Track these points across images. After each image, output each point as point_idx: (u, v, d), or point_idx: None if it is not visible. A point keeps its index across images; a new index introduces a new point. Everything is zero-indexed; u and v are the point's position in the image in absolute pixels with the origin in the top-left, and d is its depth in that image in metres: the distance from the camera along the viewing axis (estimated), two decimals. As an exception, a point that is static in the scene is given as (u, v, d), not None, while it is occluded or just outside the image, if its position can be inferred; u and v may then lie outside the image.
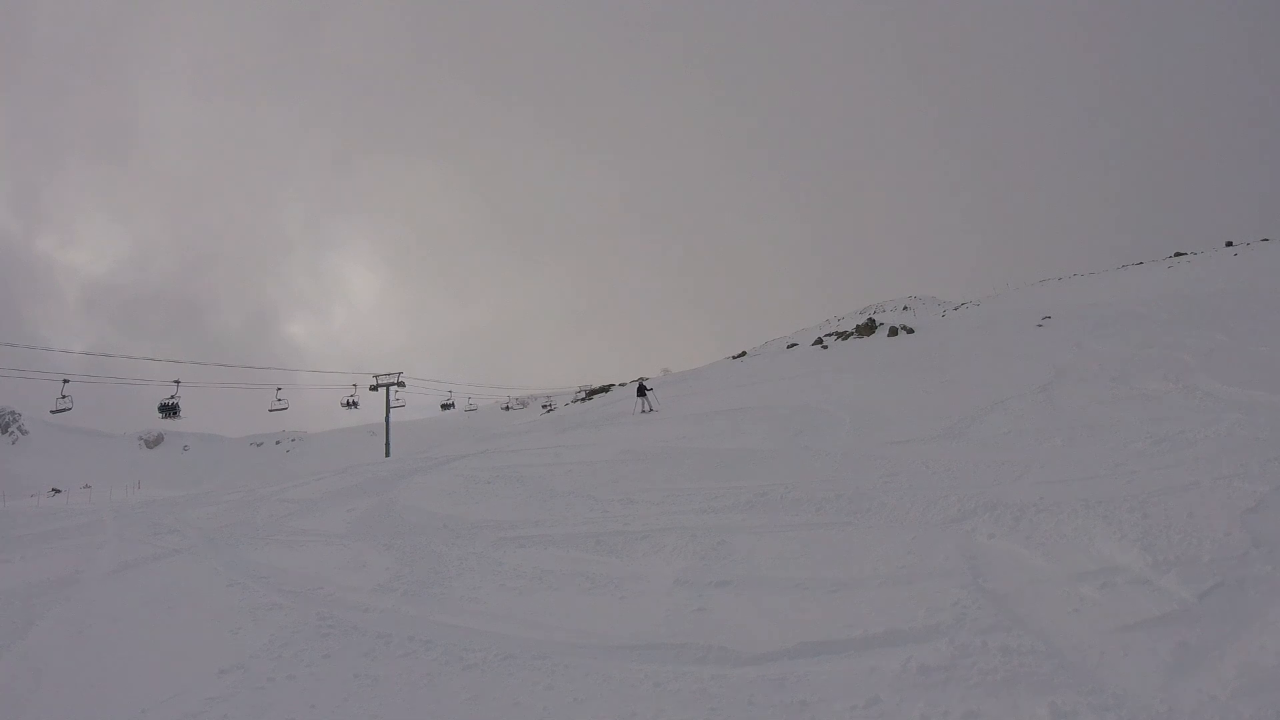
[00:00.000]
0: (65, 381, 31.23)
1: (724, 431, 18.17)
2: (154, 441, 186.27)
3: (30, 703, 7.10)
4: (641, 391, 30.90)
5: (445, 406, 71.42)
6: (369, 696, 6.33)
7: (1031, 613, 6.28)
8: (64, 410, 32.65)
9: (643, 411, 28.76)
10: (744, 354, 61.50)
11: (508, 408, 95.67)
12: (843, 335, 51.27)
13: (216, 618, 9.15)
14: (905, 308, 76.53)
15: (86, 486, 68.78)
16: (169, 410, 38.79)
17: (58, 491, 59.90)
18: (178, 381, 33.24)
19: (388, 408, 46.00)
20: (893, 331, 43.01)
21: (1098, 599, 6.35)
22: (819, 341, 51.44)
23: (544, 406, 73.65)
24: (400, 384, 45.95)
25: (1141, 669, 5.15)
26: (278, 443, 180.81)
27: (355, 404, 45.85)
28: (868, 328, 48.77)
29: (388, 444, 44.68)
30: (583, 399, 64.08)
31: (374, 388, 45.81)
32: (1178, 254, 58.17)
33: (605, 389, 66.92)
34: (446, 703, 5.96)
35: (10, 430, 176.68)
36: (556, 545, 10.67)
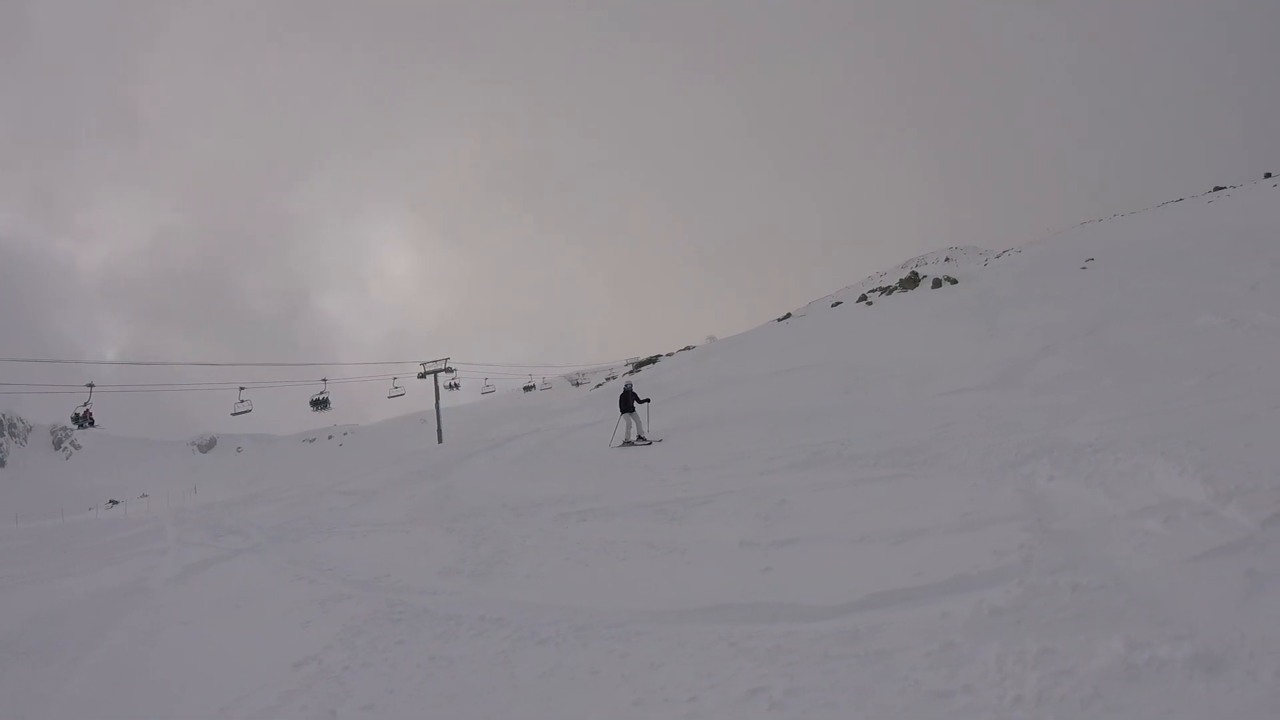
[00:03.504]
0: (242, 389, 31.80)
1: (775, 393, 18.16)
2: (207, 445, 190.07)
3: (109, 710, 7.32)
4: (627, 404, 17.91)
5: (527, 388, 73.66)
6: (445, 677, 6.45)
7: (1098, 550, 6.27)
8: (244, 413, 33.14)
9: (627, 441, 17.40)
10: (789, 315, 61.17)
11: (577, 384, 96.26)
12: (886, 290, 50.84)
13: (286, 613, 9.33)
14: (947, 259, 75.61)
15: (144, 496, 69.86)
16: (320, 404, 39.97)
17: (115, 503, 60.95)
18: (243, 387, 33.54)
19: (437, 394, 46.05)
20: (936, 283, 42.60)
21: (1162, 533, 6.32)
22: (863, 298, 51.07)
23: (596, 385, 74.13)
24: (449, 369, 45.97)
25: (1212, 598, 5.13)
26: (330, 437, 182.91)
27: (401, 393, 45.59)
28: (911, 281, 48.30)
29: (439, 430, 44.85)
30: (631, 371, 64.31)
31: (422, 375, 45.73)
32: (1217, 188, 56.87)
33: (653, 359, 67.08)
34: (523, 677, 6.05)
35: (64, 446, 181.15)
36: (618, 516, 10.77)
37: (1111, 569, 5.83)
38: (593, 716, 5.17)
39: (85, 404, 29.53)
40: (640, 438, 17.36)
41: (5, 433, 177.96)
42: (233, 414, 34.21)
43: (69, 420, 30.52)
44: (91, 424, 30.13)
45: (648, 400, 18.61)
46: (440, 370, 45.71)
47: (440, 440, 40.82)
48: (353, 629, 8.07)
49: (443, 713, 5.76)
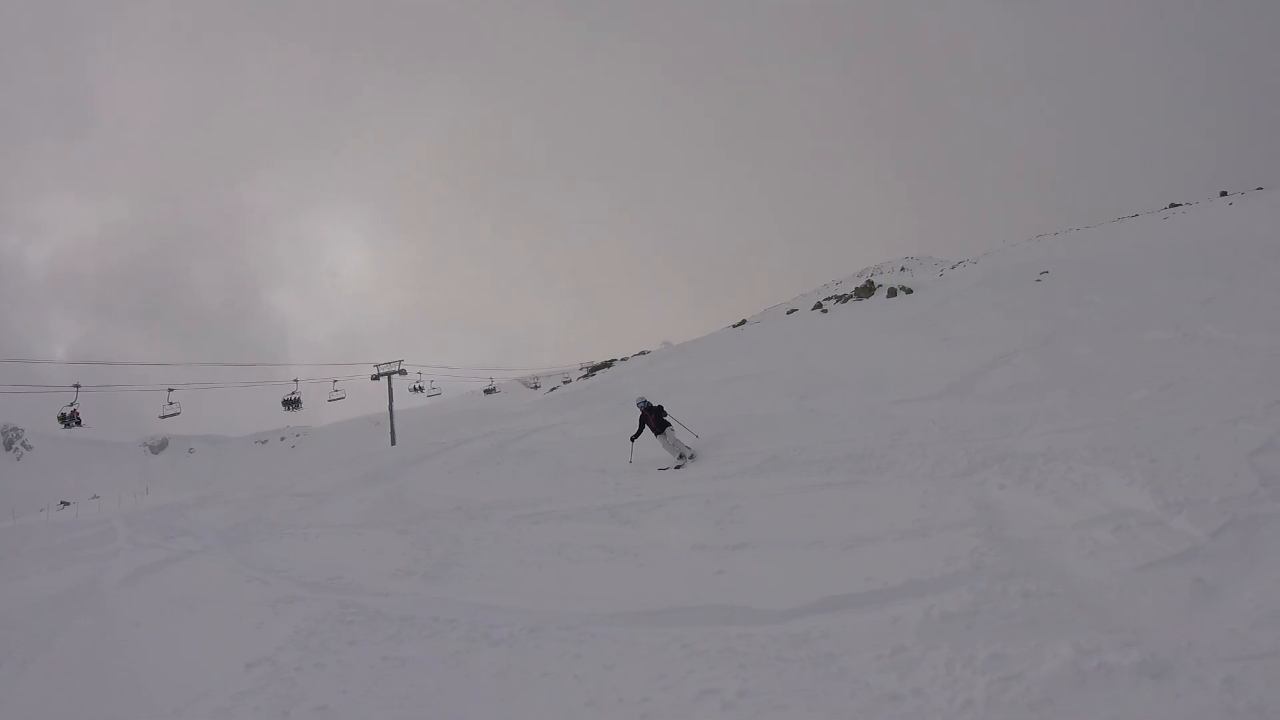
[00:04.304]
0: (170, 390, 31.13)
1: (729, 399, 18.15)
2: (159, 447, 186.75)
3: (63, 711, 7.17)
4: (657, 422, 14.50)
5: (488, 391, 73.31)
6: (398, 677, 6.40)
7: (1048, 558, 6.38)
8: (173, 415, 32.54)
9: (680, 461, 14.00)
10: (744, 322, 61.34)
11: (535, 387, 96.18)
12: (842, 299, 51.24)
13: (238, 614, 9.20)
14: (903, 268, 76.17)
15: (95, 497, 68.48)
16: (292, 404, 40.19)
17: (67, 504, 59.76)
18: (171, 389, 32.77)
19: (390, 397, 45.57)
20: (892, 292, 43.14)
21: (1112, 542, 6.43)
22: (819, 306, 51.56)
23: (552, 389, 73.95)
24: (401, 372, 45.42)
25: (1160, 606, 5.23)
26: (283, 439, 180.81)
27: (341, 397, 44.33)
28: (867, 290, 48.84)
29: (393, 433, 44.43)
30: (586, 375, 64.09)
31: (375, 377, 45.08)
32: (1173, 205, 57.94)
33: (608, 364, 67.05)
34: (476, 678, 6.02)
35: (14, 446, 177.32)
36: (571, 520, 10.74)
37: (1061, 576, 5.93)
38: (547, 717, 5.15)
39: (72, 404, 29.09)
40: (685, 457, 14.00)
41: None
42: (161, 416, 33.47)
43: (56, 420, 29.91)
44: (79, 424, 29.64)
45: (675, 422, 14.74)
46: (394, 372, 45.25)
47: (394, 443, 40.41)
48: (305, 630, 7.97)
49: (397, 714, 5.72)
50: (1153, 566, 5.82)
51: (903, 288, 43.57)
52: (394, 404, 46.05)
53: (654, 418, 14.67)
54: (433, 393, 52.52)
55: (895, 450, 10.95)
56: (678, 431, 14.66)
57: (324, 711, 6.04)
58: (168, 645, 8.65)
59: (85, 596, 11.22)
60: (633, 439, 14.99)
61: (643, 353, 71.73)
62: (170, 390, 30.52)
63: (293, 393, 40.64)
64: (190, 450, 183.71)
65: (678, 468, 13.75)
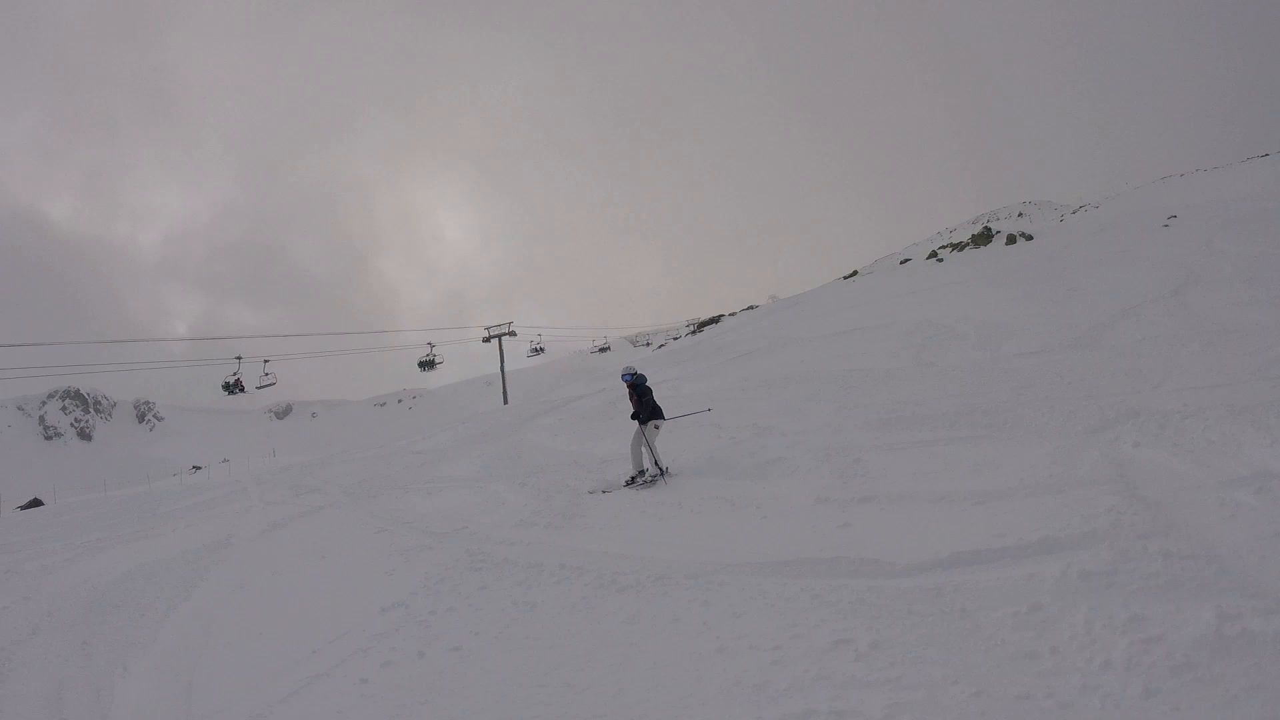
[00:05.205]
0: (266, 361, 32.53)
1: (844, 353, 17.86)
2: (283, 413, 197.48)
3: (205, 653, 7.63)
4: (640, 405, 11.39)
5: (602, 349, 74.59)
6: (529, 621, 6.63)
7: (1187, 518, 6.16)
8: (269, 385, 34.06)
9: (636, 477, 11.04)
10: (855, 273, 60.02)
11: (646, 344, 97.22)
12: (958, 246, 49.67)
13: (370, 562, 9.63)
14: (1020, 214, 73.18)
15: (225, 461, 71.60)
16: (428, 365, 42.53)
17: (198, 468, 62.73)
18: (267, 360, 33.86)
19: (501, 358, 46.52)
20: (1010, 239, 41.72)
21: (1253, 504, 6.18)
22: (933, 255, 50.06)
23: (660, 346, 73.97)
24: (512, 334, 46.23)
25: (1305, 574, 5.04)
26: (399, 401, 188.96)
27: (437, 361, 44.61)
28: (983, 237, 47.30)
29: (505, 392, 45.40)
30: (694, 331, 63.94)
31: (486, 339, 46.21)
32: (1307, 143, 54.31)
33: (715, 319, 66.75)
34: (605, 622, 6.20)
35: (146, 419, 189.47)
36: (687, 472, 10.84)
37: (1201, 538, 5.72)
38: (676, 661, 5.26)
39: (235, 374, 31.12)
40: (655, 467, 11.01)
41: (91, 409, 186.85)
42: (258, 387, 34.76)
43: (221, 388, 31.76)
44: (241, 390, 31.47)
45: (660, 424, 11.44)
46: (505, 334, 46.06)
47: (505, 402, 41.31)
48: (436, 576, 8.30)
49: (529, 655, 5.91)
50: (1296, 532, 5.59)
51: (1022, 234, 42.03)
52: (504, 364, 46.97)
53: (638, 398, 11.39)
54: (533, 352, 53.37)
55: (1021, 405, 10.67)
56: (659, 436, 11.33)
57: (459, 652, 6.30)
58: (303, 592, 9.16)
59: (222, 550, 11.86)
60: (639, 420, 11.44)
61: (750, 307, 71.11)
62: (266, 361, 31.70)
63: (429, 354, 42.74)
64: (313, 415, 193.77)
65: (628, 483, 10.94)
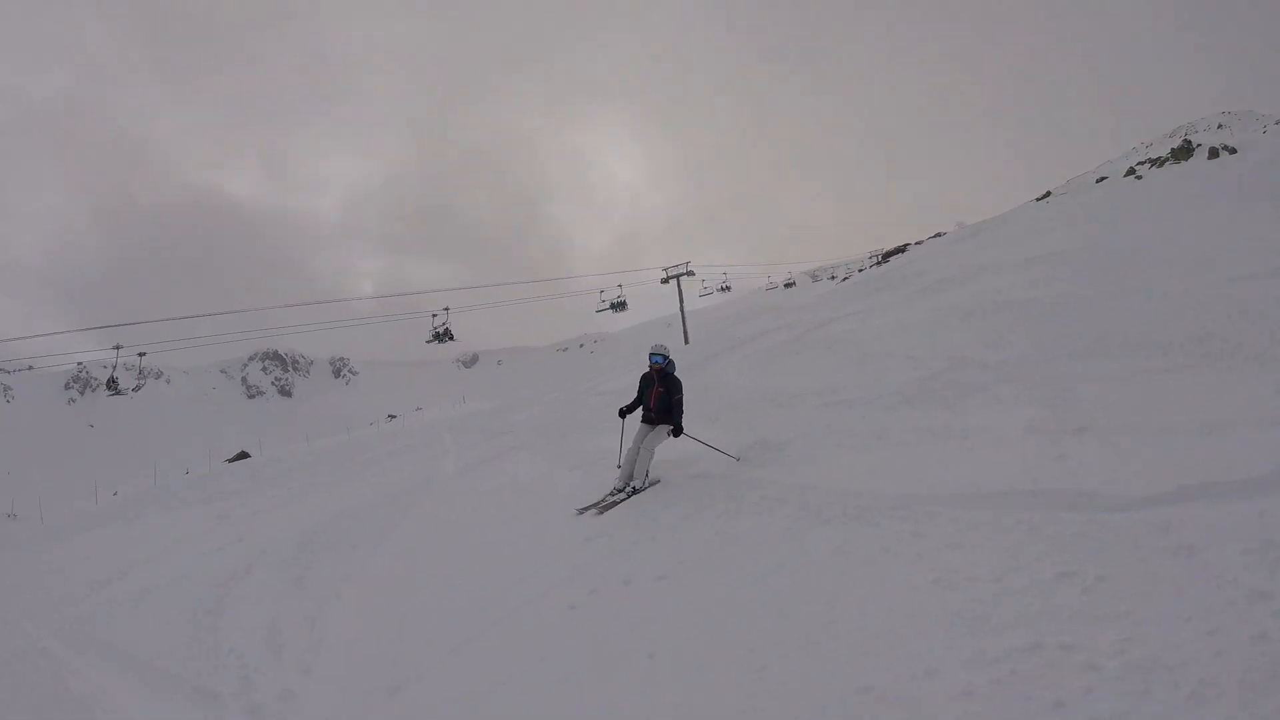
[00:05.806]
0: (445, 309, 33.89)
1: (1039, 280, 16.73)
2: (470, 361, 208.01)
3: (414, 583, 8.08)
4: (656, 403, 9.98)
5: (788, 285, 76.92)
6: (733, 551, 6.71)
7: None
8: (448, 340, 35.66)
9: (611, 496, 9.53)
10: (1048, 194, 56.89)
11: (819, 279, 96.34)
12: (1157, 162, 46.64)
13: (566, 497, 10.00)
14: (1220, 125, 67.39)
15: (418, 409, 75.40)
16: (619, 306, 43.26)
17: (394, 417, 66.18)
18: (446, 308, 34.74)
19: (681, 298, 46.75)
20: (1213, 153, 38.95)
21: None
22: (1131, 171, 46.84)
23: (843, 279, 72.40)
24: (690, 273, 46.41)
25: None
26: (581, 345, 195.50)
27: (620, 304, 44.89)
28: (1184, 151, 44.12)
29: (685, 332, 45.73)
30: (879, 263, 62.41)
31: (665, 280, 46.54)
32: None
33: (901, 249, 65.00)
34: (813, 553, 6.17)
35: (342, 374, 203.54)
36: (884, 404, 10.44)
37: None
38: (889, 592, 5.17)
39: (444, 324, 32.50)
40: (628, 486, 9.56)
41: (290, 368, 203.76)
42: (425, 342, 35.67)
43: (428, 339, 33.50)
44: (451, 338, 33.06)
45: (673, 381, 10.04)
46: (683, 274, 46.28)
47: (686, 342, 41.57)
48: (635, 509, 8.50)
49: (736, 585, 5.97)
50: None
51: (1225, 147, 38.83)
52: (684, 305, 47.37)
53: (657, 390, 9.94)
54: (704, 292, 53.52)
55: (1240, 332, 9.65)
56: (655, 446, 9.78)
57: (664, 580, 6.44)
58: (504, 524, 9.65)
59: (422, 490, 12.52)
60: (622, 414, 10.45)
61: (938, 234, 68.89)
62: (434, 316, 32.65)
63: (618, 296, 43.36)
64: (499, 363, 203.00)
65: (613, 497, 9.47)
